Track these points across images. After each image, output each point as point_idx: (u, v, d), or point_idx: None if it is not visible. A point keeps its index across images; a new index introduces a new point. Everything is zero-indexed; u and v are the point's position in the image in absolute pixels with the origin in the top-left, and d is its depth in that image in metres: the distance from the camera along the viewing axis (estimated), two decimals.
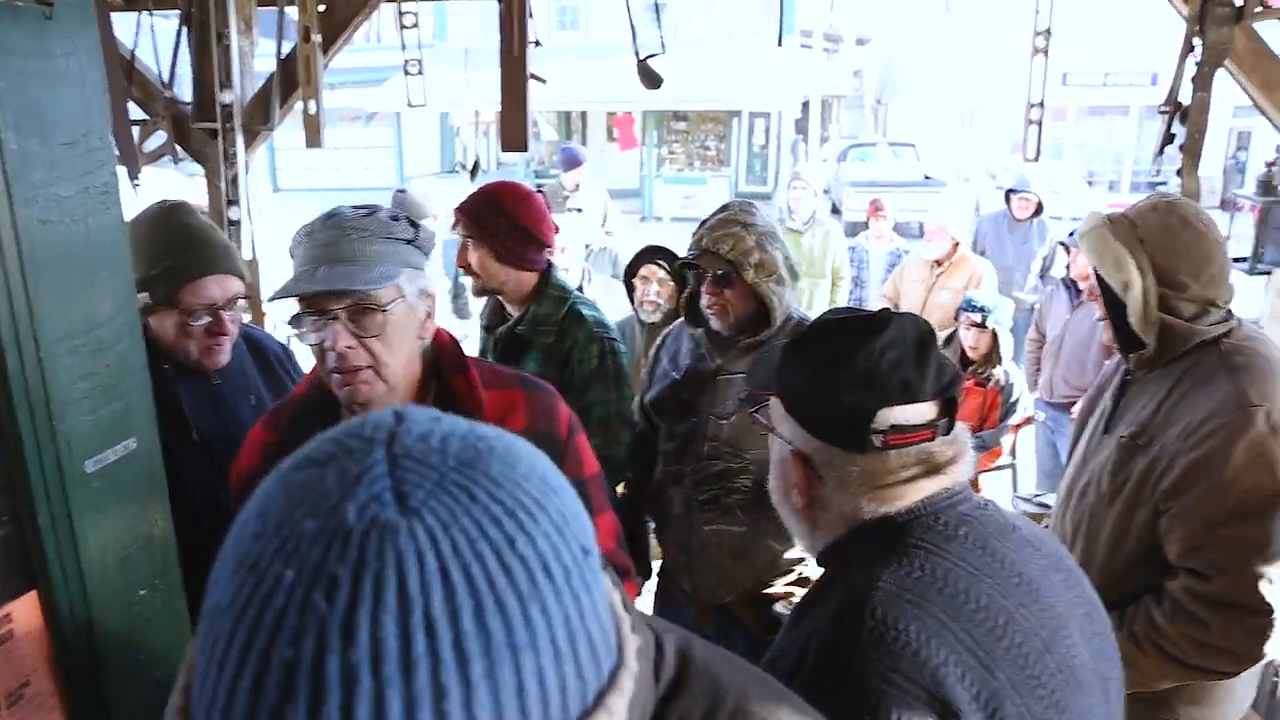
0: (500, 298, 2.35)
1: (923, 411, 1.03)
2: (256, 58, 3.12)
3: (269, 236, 3.37)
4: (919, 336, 1.05)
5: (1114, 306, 1.72)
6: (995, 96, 19.63)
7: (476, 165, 4.52)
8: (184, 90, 3.00)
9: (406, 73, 3.25)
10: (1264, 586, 1.51)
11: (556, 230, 2.36)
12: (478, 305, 2.93)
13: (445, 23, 19.20)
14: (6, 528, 1.06)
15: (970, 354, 4.04)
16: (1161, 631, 1.58)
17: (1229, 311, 1.69)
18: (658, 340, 2.49)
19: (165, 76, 2.97)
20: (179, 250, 1.73)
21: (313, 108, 2.84)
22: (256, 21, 3.05)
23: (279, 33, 2.96)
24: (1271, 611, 1.51)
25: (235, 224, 3.00)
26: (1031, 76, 2.78)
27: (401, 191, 4.91)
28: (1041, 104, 2.77)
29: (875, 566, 0.97)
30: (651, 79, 2.83)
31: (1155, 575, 1.63)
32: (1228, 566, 1.53)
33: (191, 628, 1.31)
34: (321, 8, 2.88)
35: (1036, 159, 2.84)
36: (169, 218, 1.77)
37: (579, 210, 4.89)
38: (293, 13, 2.88)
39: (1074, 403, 4.27)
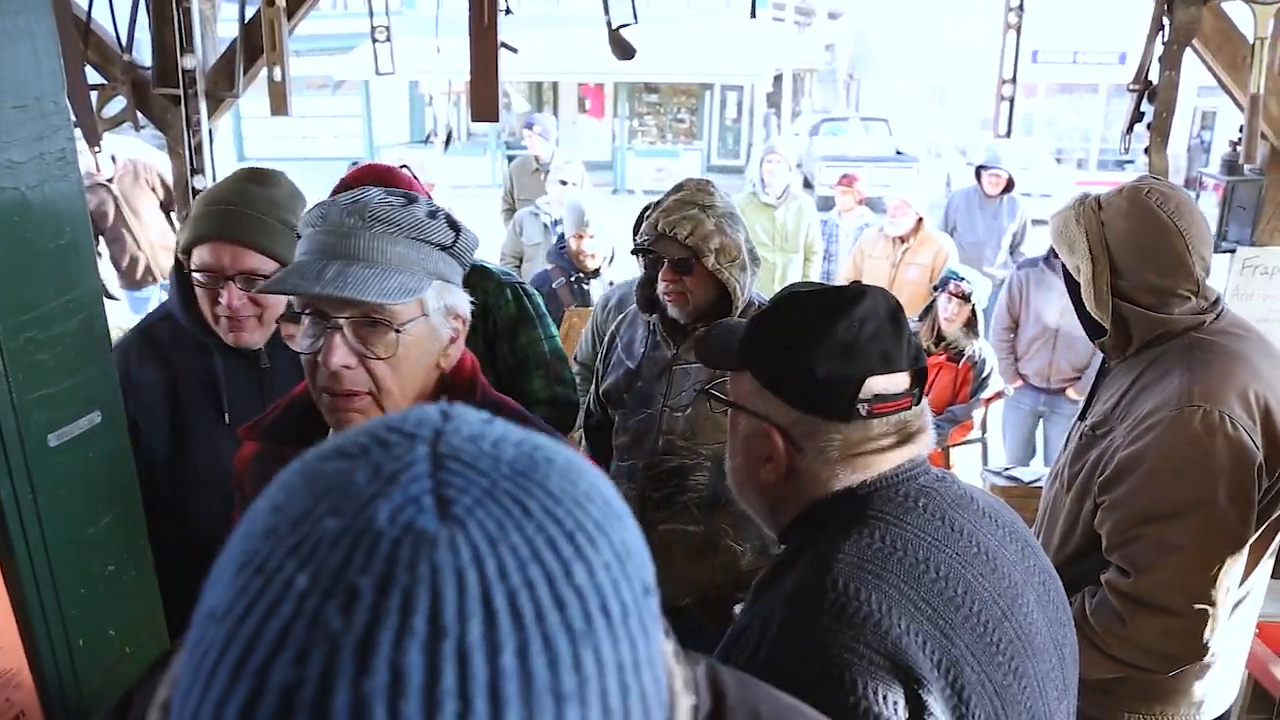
0: None
1: (899, 381, 1.05)
2: (219, 21, 3.04)
3: None
4: (890, 309, 1.07)
5: (1073, 288, 1.73)
6: (966, 73, 19.68)
7: (450, 136, 4.44)
8: (143, 55, 2.92)
9: (374, 40, 3.18)
10: (1181, 588, 1.51)
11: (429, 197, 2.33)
12: None
13: None
14: None
15: (945, 326, 4.07)
16: (1088, 622, 1.59)
17: (1215, 301, 1.66)
18: (611, 327, 2.40)
19: (123, 39, 2.88)
20: (206, 209, 1.65)
21: (278, 75, 2.78)
22: None
23: None
24: (1188, 614, 1.51)
25: (198, 193, 2.93)
26: (1003, 53, 2.79)
27: (355, 165, 4.70)
28: (1013, 80, 2.78)
29: (835, 539, 0.99)
30: (624, 49, 2.80)
31: (1099, 566, 1.64)
32: (1144, 565, 1.53)
33: (177, 616, 1.30)
34: None
35: (1008, 135, 2.85)
36: (232, 179, 1.69)
37: (563, 183, 4.74)
38: None
39: (1072, 385, 4.29)
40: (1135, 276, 1.63)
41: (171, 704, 0.40)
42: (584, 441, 2.53)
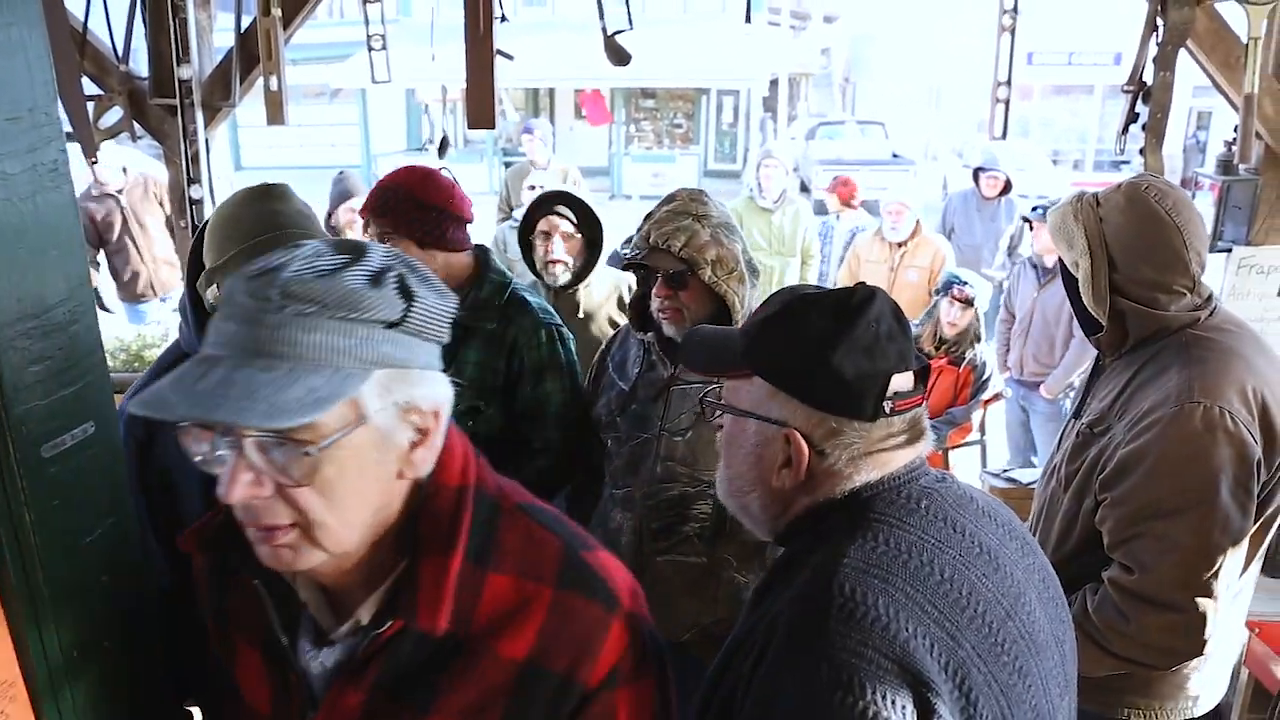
0: None
1: (908, 380, 1.06)
2: (215, 31, 3.05)
3: None
4: (894, 309, 1.07)
5: (1071, 284, 1.73)
6: (962, 75, 19.73)
7: (445, 142, 4.44)
8: (140, 65, 2.92)
9: (370, 48, 3.19)
10: (1184, 584, 1.51)
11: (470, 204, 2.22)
12: None
13: None
14: None
15: (948, 330, 4.08)
16: (1090, 619, 1.60)
17: (1209, 298, 1.67)
18: (603, 346, 2.29)
19: (120, 50, 2.89)
20: (248, 237, 1.49)
21: (274, 84, 2.78)
22: None
23: (237, 6, 2.88)
24: (1191, 610, 1.52)
25: (197, 203, 2.94)
26: (998, 55, 2.79)
27: (341, 174, 4.53)
28: (1009, 83, 2.79)
29: (840, 543, 0.98)
30: (619, 55, 2.80)
31: (1099, 564, 1.64)
32: (1149, 562, 1.53)
33: (164, 613, 1.29)
34: None
35: (1004, 137, 2.85)
36: (254, 200, 1.55)
37: (532, 188, 4.74)
38: None
39: (1042, 380, 4.37)
40: (1132, 272, 1.64)
41: None
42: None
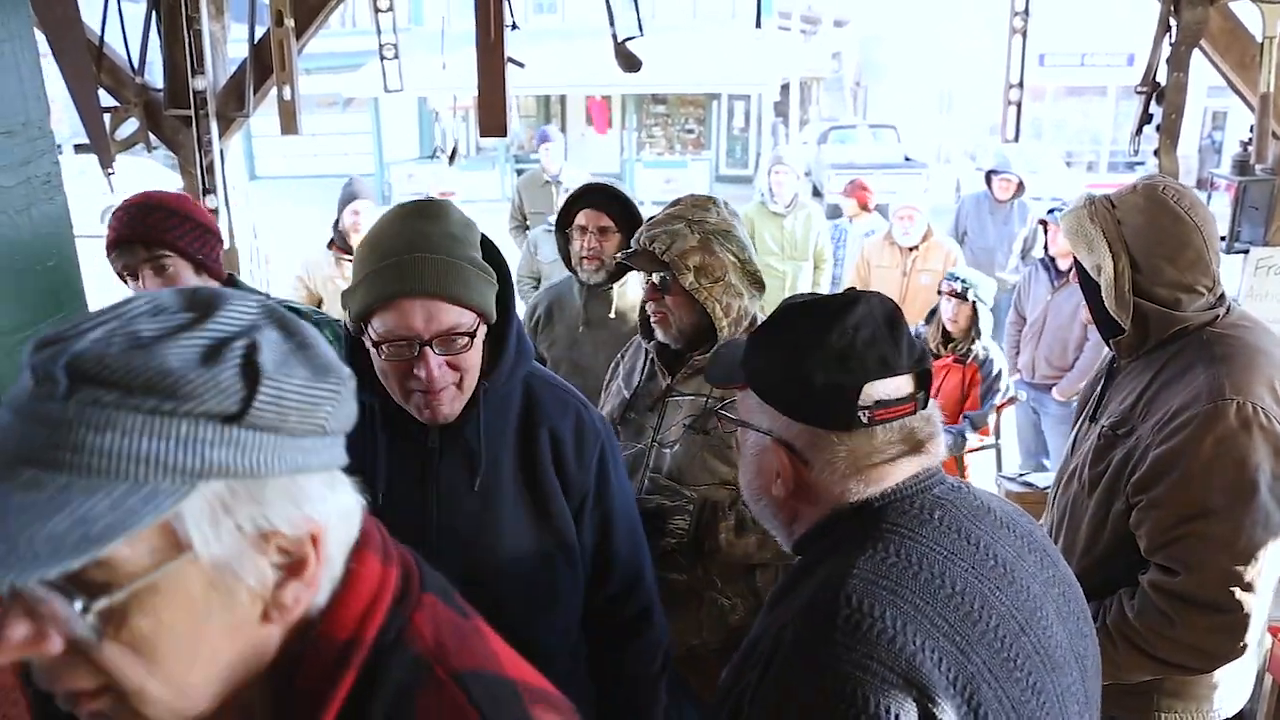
0: None
1: (901, 385, 1.03)
2: (229, 42, 3.08)
3: (248, 223, 3.33)
4: (887, 313, 1.05)
5: (1090, 288, 1.71)
6: (974, 78, 19.66)
7: (455, 150, 4.46)
8: (155, 76, 2.95)
9: (382, 57, 3.21)
10: (1230, 584, 1.49)
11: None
12: None
13: (420, 6, 18.99)
14: None
15: (950, 328, 4.06)
16: (1131, 625, 1.58)
17: (1220, 296, 1.66)
18: (619, 353, 2.21)
19: (135, 62, 2.92)
20: (386, 258, 1.30)
21: (288, 94, 2.80)
22: (227, 5, 3.00)
23: (251, 17, 2.91)
24: (1237, 609, 1.50)
25: (213, 212, 2.96)
26: (1010, 57, 2.78)
27: (350, 180, 4.45)
28: (1020, 85, 2.78)
29: (850, 553, 0.97)
30: (630, 62, 2.81)
31: (1131, 567, 1.62)
32: (1193, 563, 1.51)
33: None
34: None
35: (1016, 140, 2.84)
36: (401, 218, 1.36)
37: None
38: None
39: (1054, 383, 4.35)
40: (1156, 274, 1.62)
41: None
42: None
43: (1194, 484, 1.51)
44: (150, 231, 1.87)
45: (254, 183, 16.46)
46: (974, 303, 3.96)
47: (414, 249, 1.29)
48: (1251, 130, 2.48)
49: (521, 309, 2.50)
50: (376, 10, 3.15)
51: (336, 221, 4.25)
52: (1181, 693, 1.70)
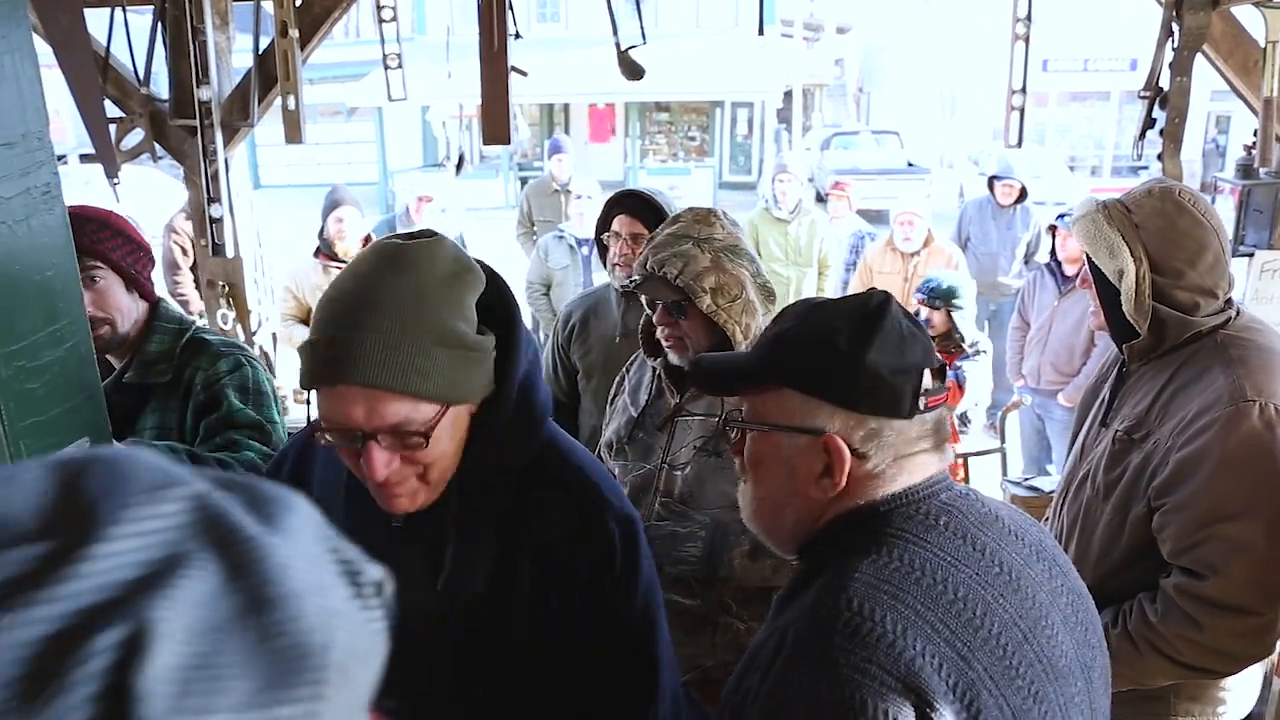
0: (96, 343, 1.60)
1: (930, 377, 1.05)
2: (234, 53, 3.09)
3: (252, 232, 3.34)
4: (905, 311, 1.07)
5: (1107, 294, 1.69)
6: (977, 83, 19.68)
7: (462, 159, 4.48)
8: (160, 87, 2.97)
9: (386, 67, 3.22)
10: (1257, 586, 1.48)
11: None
12: None
13: (424, 16, 19.08)
14: None
15: (930, 331, 4.05)
16: (1155, 630, 1.56)
17: (1229, 300, 1.66)
18: (624, 367, 2.16)
19: (141, 73, 2.94)
20: (325, 328, 1.04)
21: (292, 103, 2.82)
22: (232, 16, 3.02)
23: (255, 27, 2.92)
24: (1265, 612, 1.49)
25: (217, 222, 2.97)
26: (1012, 63, 2.79)
27: (333, 188, 4.44)
28: (1023, 90, 2.78)
29: (853, 557, 0.97)
30: (633, 70, 2.82)
31: (1150, 572, 1.61)
32: (1220, 566, 1.50)
33: None
34: (298, 2, 2.86)
35: (1019, 145, 2.84)
36: (368, 264, 1.07)
37: (589, 197, 4.74)
38: (269, 7, 2.85)
39: (1060, 389, 4.34)
40: (1177, 277, 1.61)
41: None
42: None
43: (1219, 486, 1.50)
44: (83, 240, 1.73)
45: (258, 191, 16.54)
46: (947, 310, 3.92)
47: (357, 324, 1.01)
48: (1255, 134, 2.48)
49: (527, 316, 2.50)
50: (380, 20, 3.17)
51: (322, 230, 4.27)
52: (1199, 696, 1.69)
